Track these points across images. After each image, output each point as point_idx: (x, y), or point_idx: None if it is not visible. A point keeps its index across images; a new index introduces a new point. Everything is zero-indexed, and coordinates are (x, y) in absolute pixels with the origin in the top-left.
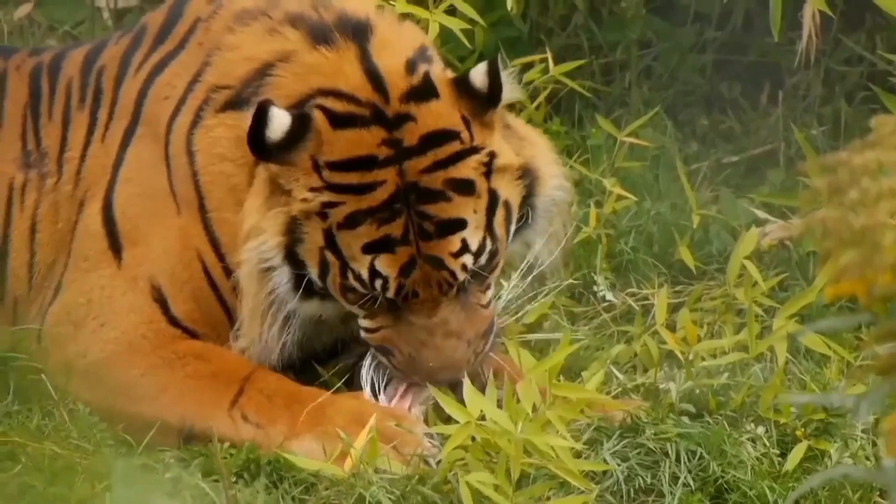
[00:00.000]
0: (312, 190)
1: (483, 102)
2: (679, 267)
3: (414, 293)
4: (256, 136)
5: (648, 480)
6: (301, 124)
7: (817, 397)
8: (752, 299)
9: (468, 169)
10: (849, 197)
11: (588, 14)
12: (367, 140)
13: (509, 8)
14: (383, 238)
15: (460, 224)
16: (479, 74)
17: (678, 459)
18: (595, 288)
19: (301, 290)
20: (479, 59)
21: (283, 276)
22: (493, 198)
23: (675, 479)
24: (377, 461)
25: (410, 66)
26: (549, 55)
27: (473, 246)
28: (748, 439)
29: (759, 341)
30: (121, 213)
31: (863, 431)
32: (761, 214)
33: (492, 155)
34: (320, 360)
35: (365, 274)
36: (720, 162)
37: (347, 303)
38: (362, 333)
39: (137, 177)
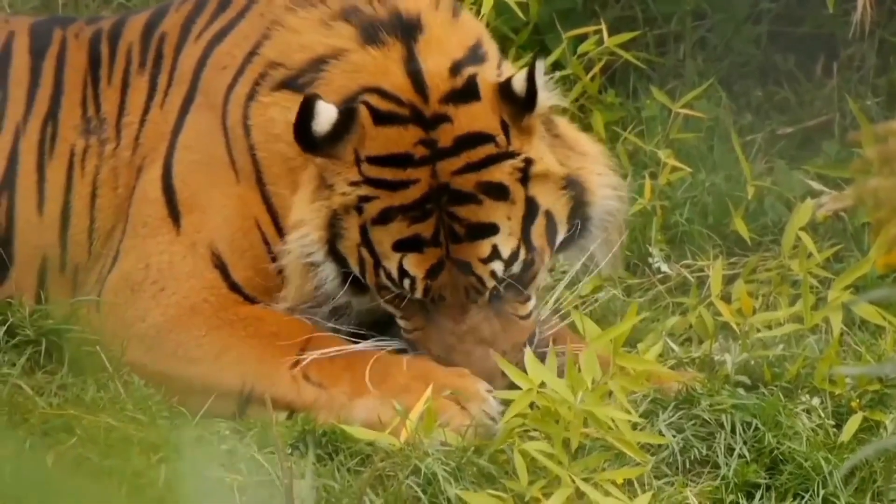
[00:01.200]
0: (352, 184)
1: (521, 107)
2: (734, 238)
3: (440, 296)
4: (302, 128)
5: (704, 452)
6: (347, 118)
7: (872, 368)
8: (807, 270)
9: (502, 173)
10: None
11: None
12: (404, 138)
13: None
14: (413, 237)
15: (491, 229)
16: (519, 80)
17: (733, 431)
18: (650, 259)
19: (348, 285)
20: (534, 31)
21: (327, 271)
22: (530, 206)
23: (730, 450)
24: (438, 424)
25: (455, 68)
26: (603, 26)
27: (505, 253)
28: (803, 410)
29: (814, 312)
30: (180, 180)
31: None
32: (816, 186)
33: (528, 161)
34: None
35: (394, 272)
36: (775, 133)
37: (383, 301)
38: (401, 332)
39: (196, 144)
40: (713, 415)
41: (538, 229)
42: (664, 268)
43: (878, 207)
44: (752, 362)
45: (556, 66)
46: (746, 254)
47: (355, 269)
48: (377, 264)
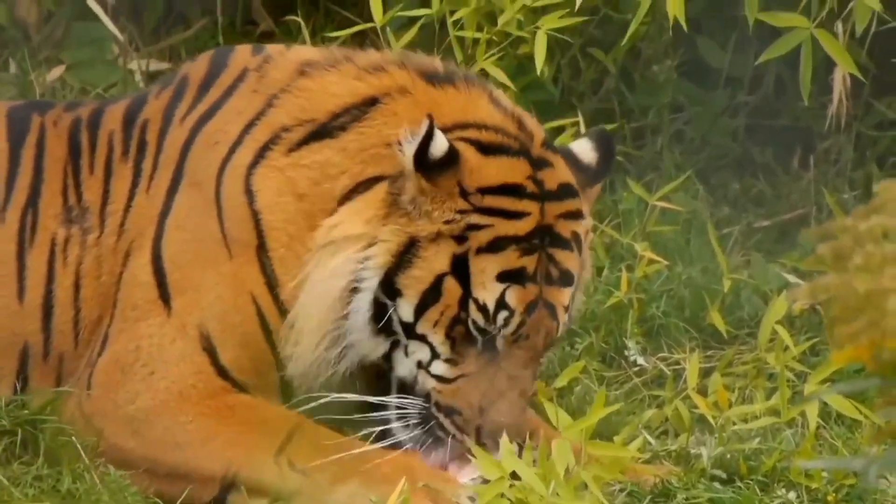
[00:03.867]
0: (459, 212)
1: (591, 177)
2: (710, 331)
3: (526, 336)
4: (422, 146)
5: None
6: (453, 152)
7: (848, 462)
8: (784, 364)
9: (582, 230)
10: (853, 262)
11: (619, 78)
12: (517, 169)
13: (539, 72)
14: (520, 269)
15: (572, 279)
16: (588, 150)
17: None
18: (626, 352)
19: (377, 323)
20: None
21: (364, 301)
22: (584, 266)
23: None
24: None
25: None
26: (580, 119)
27: (571, 306)
28: None
29: (791, 406)
30: (170, 261)
31: (894, 497)
32: (792, 279)
33: (590, 227)
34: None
35: (491, 304)
36: (751, 226)
37: (441, 341)
38: (431, 385)
39: (186, 223)
40: None
41: (578, 294)
42: (640, 360)
43: (831, 304)
44: (729, 455)
45: None
46: (723, 347)
47: (407, 303)
48: (465, 296)
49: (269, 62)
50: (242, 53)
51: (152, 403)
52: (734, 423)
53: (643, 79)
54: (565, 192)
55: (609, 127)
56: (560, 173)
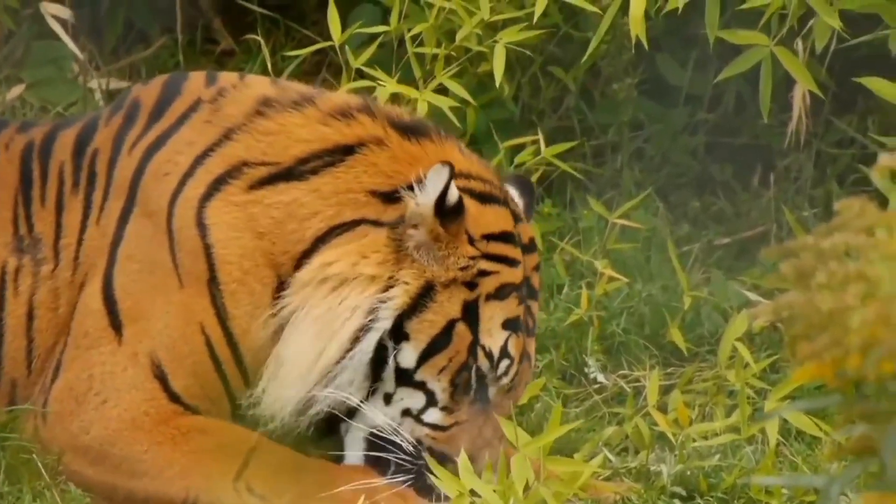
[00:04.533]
0: (472, 258)
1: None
2: (670, 348)
3: (514, 385)
4: (443, 193)
5: None
6: (461, 199)
7: (808, 479)
8: (744, 381)
9: (538, 282)
10: (816, 280)
11: (580, 96)
12: (507, 218)
13: (499, 86)
14: (517, 318)
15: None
16: (513, 195)
17: None
18: (586, 369)
19: (373, 367)
20: (471, 141)
21: (371, 343)
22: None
23: None
24: None
25: None
26: (540, 137)
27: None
28: None
29: (751, 423)
30: (121, 290)
31: None
32: (752, 296)
33: None
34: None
35: (496, 352)
36: (711, 244)
37: (443, 388)
38: (423, 433)
39: (137, 252)
40: None
41: None
42: (600, 378)
43: (793, 322)
44: (689, 472)
45: None
46: (683, 364)
47: (413, 348)
48: (474, 343)
49: (225, 95)
50: (196, 82)
51: (106, 433)
52: (694, 441)
53: (603, 97)
54: (534, 244)
55: (569, 145)
56: (527, 225)
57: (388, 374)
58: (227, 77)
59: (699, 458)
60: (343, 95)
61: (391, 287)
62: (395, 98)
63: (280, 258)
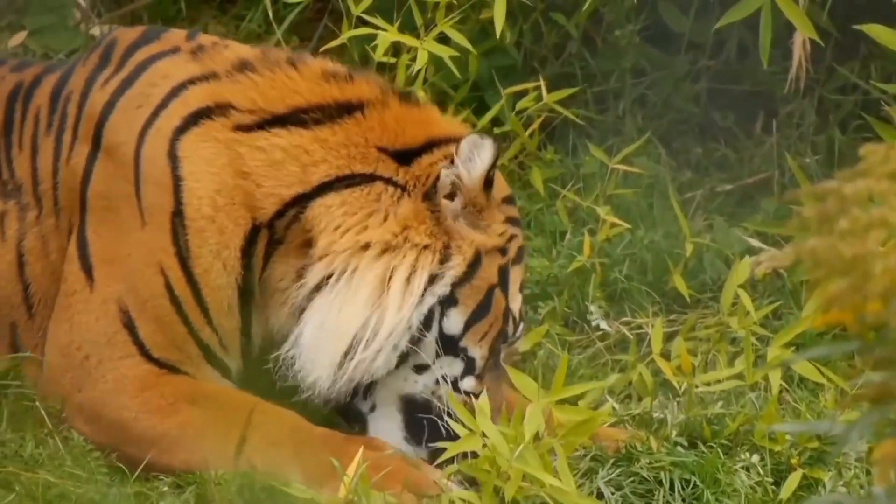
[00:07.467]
0: (504, 222)
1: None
2: (673, 295)
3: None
4: (490, 168)
5: None
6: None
7: (811, 425)
8: (748, 328)
9: None
10: (839, 226)
11: (582, 43)
12: (503, 179)
13: (499, 35)
14: (524, 280)
15: None
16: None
17: (672, 488)
18: (589, 317)
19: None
20: (473, 88)
21: (426, 308)
22: None
23: None
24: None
25: None
26: (542, 83)
27: None
28: (742, 468)
29: (754, 370)
30: (91, 231)
31: (857, 460)
32: (755, 243)
33: None
34: None
35: (517, 316)
36: (714, 190)
37: (482, 355)
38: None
39: (105, 189)
40: (652, 472)
41: None
42: (603, 325)
43: (815, 267)
44: (692, 419)
45: (495, 122)
46: (685, 311)
47: (461, 315)
48: (507, 309)
49: (207, 50)
50: (177, 34)
51: (94, 394)
52: (697, 387)
53: (605, 43)
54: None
55: (571, 91)
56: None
57: (429, 341)
58: (206, 38)
59: (702, 406)
60: (322, 61)
61: (448, 255)
62: (395, 47)
63: (262, 201)
